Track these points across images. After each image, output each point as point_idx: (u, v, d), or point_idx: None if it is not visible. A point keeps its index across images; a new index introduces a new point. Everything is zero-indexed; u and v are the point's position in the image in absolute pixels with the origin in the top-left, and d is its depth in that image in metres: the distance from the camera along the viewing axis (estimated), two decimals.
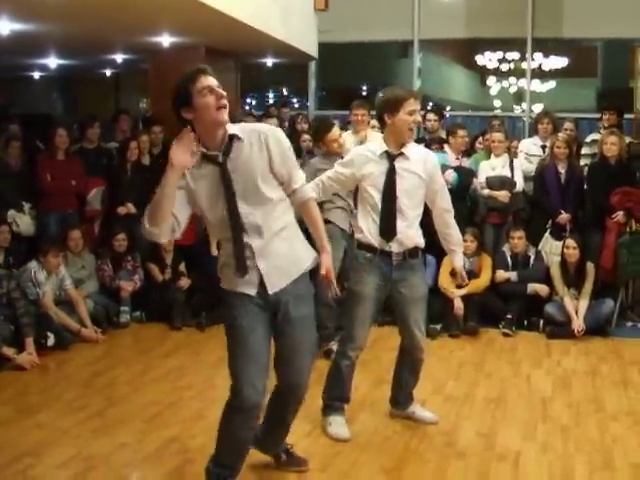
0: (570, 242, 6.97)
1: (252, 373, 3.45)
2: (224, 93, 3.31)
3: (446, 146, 7.61)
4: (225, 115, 3.30)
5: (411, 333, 4.55)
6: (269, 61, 9.93)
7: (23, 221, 7.36)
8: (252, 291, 3.50)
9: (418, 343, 4.58)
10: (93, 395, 5.35)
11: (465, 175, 7.48)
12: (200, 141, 3.32)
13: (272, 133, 3.48)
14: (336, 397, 4.66)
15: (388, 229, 4.40)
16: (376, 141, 4.53)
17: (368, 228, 4.42)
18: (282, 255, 3.51)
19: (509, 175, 7.52)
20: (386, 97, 4.38)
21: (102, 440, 4.53)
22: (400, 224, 4.38)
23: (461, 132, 7.64)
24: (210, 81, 3.28)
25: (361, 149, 4.60)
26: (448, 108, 11.38)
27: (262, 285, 3.49)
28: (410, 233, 4.43)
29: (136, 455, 4.37)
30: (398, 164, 4.36)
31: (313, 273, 3.72)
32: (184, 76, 3.30)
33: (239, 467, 3.73)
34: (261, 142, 3.41)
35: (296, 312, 3.58)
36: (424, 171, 4.39)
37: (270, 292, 3.50)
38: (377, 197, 4.39)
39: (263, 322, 3.54)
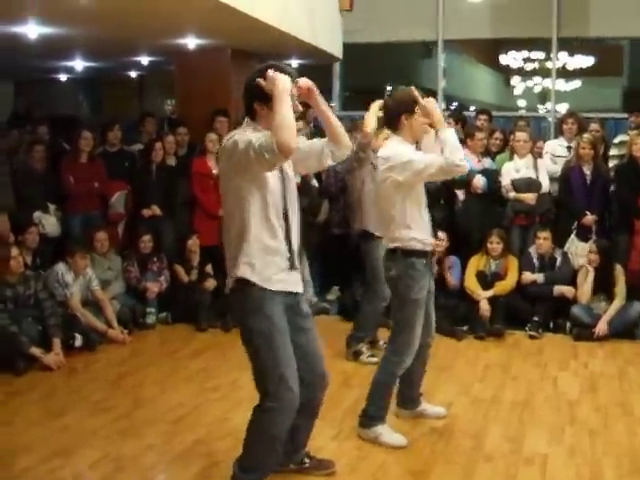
0: (592, 247, 6.95)
1: (293, 374, 3.55)
2: (300, 108, 3.53)
3: (465, 150, 7.51)
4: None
5: (431, 325, 4.72)
6: (294, 62, 9.90)
7: (49, 222, 7.41)
8: (299, 289, 3.68)
9: (434, 333, 4.81)
10: (120, 396, 5.38)
11: (492, 176, 7.45)
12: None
13: None
14: (384, 407, 4.60)
15: (432, 228, 4.54)
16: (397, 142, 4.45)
17: (422, 232, 4.44)
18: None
19: (534, 176, 7.48)
20: (402, 98, 4.37)
21: (129, 441, 4.56)
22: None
23: (479, 135, 7.58)
24: (294, 90, 3.48)
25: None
26: (472, 108, 11.34)
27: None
28: None
29: (163, 457, 4.40)
30: None
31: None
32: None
33: (270, 469, 3.76)
34: None
35: (307, 310, 3.79)
36: None
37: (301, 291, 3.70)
38: (423, 200, 4.47)
39: (286, 323, 3.62)
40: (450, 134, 4.24)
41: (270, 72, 3.36)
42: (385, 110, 4.52)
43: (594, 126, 7.96)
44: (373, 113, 5.42)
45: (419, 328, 4.49)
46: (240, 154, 3.33)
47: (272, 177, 3.49)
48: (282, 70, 3.42)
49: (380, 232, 4.78)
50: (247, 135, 3.38)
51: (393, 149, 4.37)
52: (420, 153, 4.41)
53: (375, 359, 5.89)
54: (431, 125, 4.38)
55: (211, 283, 7.30)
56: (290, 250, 3.59)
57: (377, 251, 5.90)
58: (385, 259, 4.58)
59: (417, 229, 4.42)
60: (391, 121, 4.45)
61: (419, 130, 4.42)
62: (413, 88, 4.38)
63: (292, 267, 3.60)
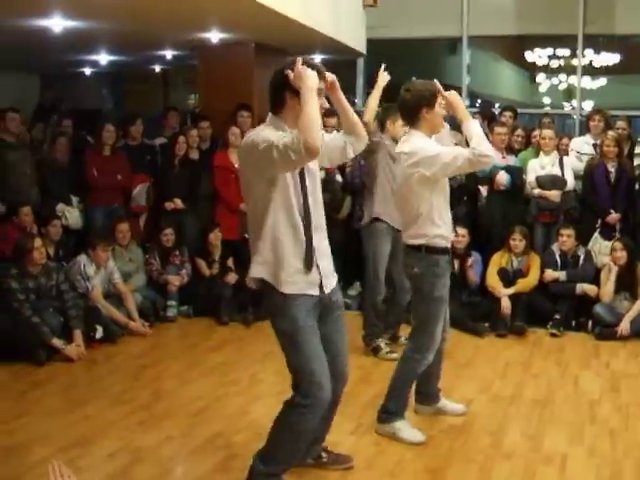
0: (618, 244, 6.87)
1: (322, 372, 3.51)
2: (327, 104, 3.50)
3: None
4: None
5: (447, 319, 4.69)
6: (318, 57, 9.88)
7: (72, 215, 7.50)
8: (315, 291, 3.56)
9: (448, 327, 4.81)
10: (140, 388, 5.41)
11: (516, 174, 7.40)
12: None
13: None
14: (404, 403, 4.59)
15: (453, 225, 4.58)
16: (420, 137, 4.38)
17: (446, 228, 4.43)
18: (328, 255, 3.67)
19: (559, 173, 7.42)
20: (421, 91, 4.30)
21: (148, 433, 4.58)
22: None
23: (498, 129, 7.53)
24: (322, 85, 3.44)
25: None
26: (497, 105, 11.26)
27: (320, 285, 3.57)
28: None
29: (182, 449, 4.42)
30: None
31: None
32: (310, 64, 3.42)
33: (291, 464, 3.76)
34: None
35: (341, 302, 3.80)
36: None
37: (326, 292, 3.60)
38: (447, 195, 4.46)
39: (315, 319, 3.59)
40: (475, 125, 4.23)
41: (298, 66, 3.31)
42: (403, 104, 4.41)
43: (621, 124, 7.88)
44: (377, 94, 5.37)
45: (441, 324, 4.49)
46: (260, 154, 3.28)
47: (289, 174, 3.45)
48: (311, 66, 3.38)
49: (401, 228, 4.70)
50: (265, 134, 3.33)
51: (417, 144, 4.30)
52: (444, 147, 4.37)
53: (395, 355, 5.87)
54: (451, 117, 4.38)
55: (232, 277, 7.32)
56: (308, 249, 3.51)
57: (383, 247, 5.94)
58: (407, 257, 4.52)
59: (442, 225, 4.39)
60: (410, 115, 4.37)
61: (438, 124, 4.38)
62: (436, 81, 4.36)
63: (309, 267, 3.51)
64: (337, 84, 3.60)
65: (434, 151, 4.25)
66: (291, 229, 3.48)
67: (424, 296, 4.43)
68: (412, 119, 4.37)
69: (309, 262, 3.51)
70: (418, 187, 4.31)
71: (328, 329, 3.67)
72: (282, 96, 3.45)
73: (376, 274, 6.08)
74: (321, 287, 3.57)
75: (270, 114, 3.54)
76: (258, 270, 3.52)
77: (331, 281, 3.65)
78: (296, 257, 3.50)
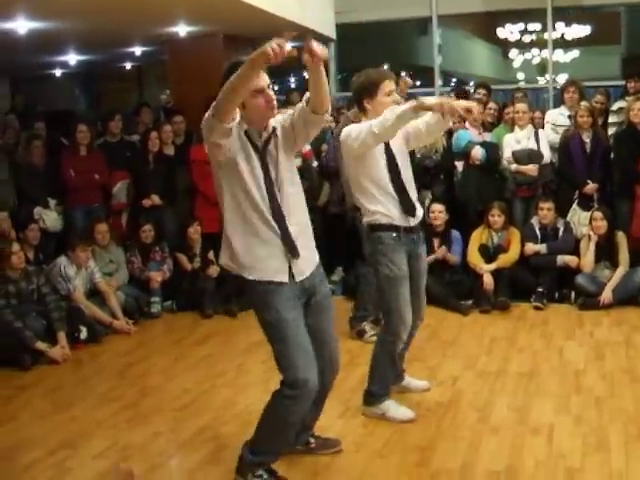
0: (597, 214, 6.90)
1: (307, 362, 3.49)
2: (273, 97, 3.45)
3: (466, 123, 7.46)
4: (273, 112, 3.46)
5: (421, 303, 4.61)
6: (288, 45, 9.87)
7: (49, 217, 7.45)
8: (284, 278, 3.52)
9: (424, 311, 4.69)
10: (127, 386, 5.40)
11: (492, 149, 7.41)
12: (246, 120, 3.47)
13: None
14: (388, 383, 4.60)
15: (408, 203, 4.41)
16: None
17: (384, 207, 4.36)
18: (307, 244, 3.61)
19: (535, 147, 7.44)
20: (361, 82, 4.31)
21: (137, 430, 4.58)
22: (413, 196, 4.45)
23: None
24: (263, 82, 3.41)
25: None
26: (471, 83, 11.26)
27: (290, 272, 3.53)
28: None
29: (170, 443, 4.41)
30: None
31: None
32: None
33: (279, 453, 3.74)
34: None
35: (325, 290, 3.73)
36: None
37: (297, 280, 3.54)
38: (382, 173, 4.37)
39: (300, 310, 3.56)
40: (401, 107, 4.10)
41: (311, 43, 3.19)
42: (352, 95, 4.50)
43: (600, 98, 7.92)
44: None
45: (406, 305, 4.41)
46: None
47: (246, 162, 3.46)
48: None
49: None
50: None
51: (350, 126, 4.34)
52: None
53: None
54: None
55: (214, 270, 7.28)
56: (285, 237, 3.49)
57: None
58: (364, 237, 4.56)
59: (378, 203, 4.35)
60: (357, 105, 4.48)
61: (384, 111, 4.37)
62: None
63: (292, 254, 3.50)
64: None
65: (357, 127, 4.23)
66: (261, 215, 3.46)
67: (377, 275, 4.44)
68: (359, 109, 4.44)
69: (291, 247, 3.50)
70: (350, 163, 4.37)
71: (318, 321, 3.65)
72: None
73: None
74: (290, 273, 3.53)
75: None
76: (225, 260, 3.54)
77: (304, 268, 3.57)
78: (270, 245, 3.49)
